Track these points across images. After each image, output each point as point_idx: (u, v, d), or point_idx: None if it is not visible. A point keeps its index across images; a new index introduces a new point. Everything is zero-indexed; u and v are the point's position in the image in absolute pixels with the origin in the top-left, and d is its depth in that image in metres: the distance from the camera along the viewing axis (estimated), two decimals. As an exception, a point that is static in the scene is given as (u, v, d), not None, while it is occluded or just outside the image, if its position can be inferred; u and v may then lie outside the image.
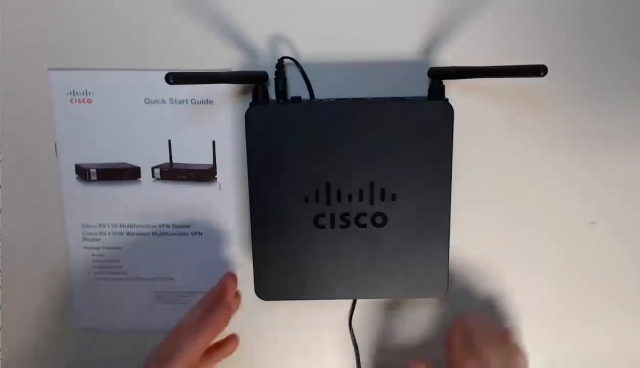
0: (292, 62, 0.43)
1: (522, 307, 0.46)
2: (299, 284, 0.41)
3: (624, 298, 0.46)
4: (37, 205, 0.46)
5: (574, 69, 0.43)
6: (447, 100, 0.40)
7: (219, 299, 0.43)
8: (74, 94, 0.44)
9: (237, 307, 0.46)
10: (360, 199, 0.40)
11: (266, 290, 0.42)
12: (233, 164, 0.45)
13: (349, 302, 0.47)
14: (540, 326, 0.47)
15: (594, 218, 0.45)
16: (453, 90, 0.42)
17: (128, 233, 0.46)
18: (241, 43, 0.43)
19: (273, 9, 0.43)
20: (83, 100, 0.44)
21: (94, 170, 0.45)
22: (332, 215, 0.40)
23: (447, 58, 0.43)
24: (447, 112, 0.39)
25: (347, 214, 0.40)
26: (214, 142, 0.45)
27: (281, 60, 0.42)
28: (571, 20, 0.42)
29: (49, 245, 0.46)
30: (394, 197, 0.40)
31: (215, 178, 0.45)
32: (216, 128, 0.45)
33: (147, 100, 0.44)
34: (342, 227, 0.40)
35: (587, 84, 0.43)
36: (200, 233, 0.46)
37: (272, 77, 0.42)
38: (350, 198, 0.40)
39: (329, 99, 0.42)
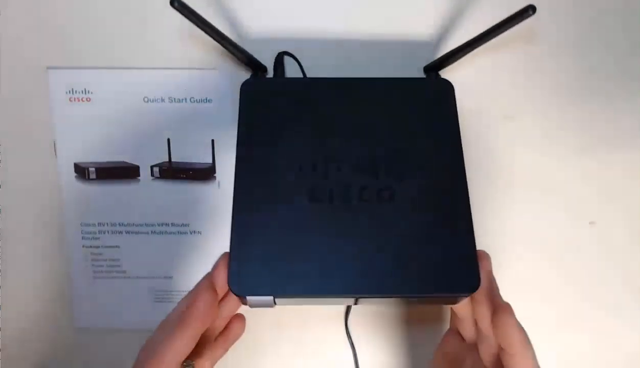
0: (291, 58, 0.43)
1: (520, 308, 0.46)
2: (287, 276, 0.32)
3: (624, 298, 0.46)
4: (35, 204, 0.46)
5: (574, 68, 0.43)
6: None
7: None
8: (72, 93, 0.44)
9: (240, 332, 0.41)
10: (363, 172, 0.34)
11: (245, 283, 0.32)
12: (232, 162, 0.45)
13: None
14: (539, 326, 0.47)
15: (594, 218, 0.45)
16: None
17: (127, 232, 0.46)
18: (241, 42, 0.43)
19: (273, 8, 0.43)
20: (82, 99, 0.44)
21: (93, 168, 0.45)
22: (331, 188, 0.34)
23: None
24: (448, 87, 0.38)
25: (349, 186, 0.34)
26: (213, 141, 0.45)
27: (280, 54, 0.42)
28: (573, 20, 0.42)
29: (47, 244, 0.46)
30: (400, 171, 0.35)
31: (215, 176, 0.45)
32: (215, 127, 0.45)
33: (146, 99, 0.44)
34: (343, 201, 0.33)
35: (588, 84, 0.43)
36: (200, 232, 0.46)
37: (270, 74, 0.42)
38: (352, 169, 0.34)
39: (329, 78, 0.40)
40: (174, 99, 0.44)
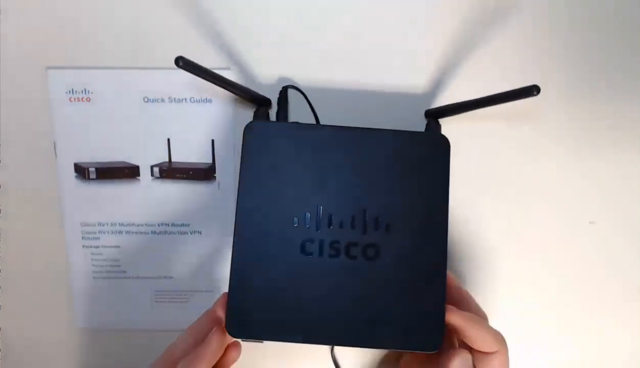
0: (296, 90, 0.43)
1: (521, 308, 0.46)
2: (278, 323, 0.38)
3: (624, 299, 0.46)
4: (35, 204, 0.46)
5: (573, 69, 0.43)
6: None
7: (211, 324, 0.39)
8: (72, 93, 0.44)
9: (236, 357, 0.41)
10: (352, 227, 0.38)
11: (241, 326, 0.38)
12: (232, 162, 0.45)
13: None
14: (539, 327, 0.47)
15: (594, 218, 0.45)
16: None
17: (127, 232, 0.46)
18: (243, 43, 0.43)
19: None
20: (82, 99, 0.44)
21: (93, 168, 0.45)
22: (321, 242, 0.38)
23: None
24: (444, 144, 0.38)
25: (338, 242, 0.38)
26: (213, 141, 0.45)
27: (284, 89, 0.43)
28: (572, 21, 0.42)
29: (47, 244, 0.46)
30: (387, 228, 0.38)
31: (215, 176, 0.45)
32: (215, 127, 0.45)
33: (146, 99, 0.44)
34: (330, 256, 0.38)
35: (586, 84, 0.43)
36: (200, 232, 0.46)
37: (274, 102, 0.43)
38: (341, 224, 0.38)
39: (330, 126, 0.42)
40: (174, 99, 0.44)
